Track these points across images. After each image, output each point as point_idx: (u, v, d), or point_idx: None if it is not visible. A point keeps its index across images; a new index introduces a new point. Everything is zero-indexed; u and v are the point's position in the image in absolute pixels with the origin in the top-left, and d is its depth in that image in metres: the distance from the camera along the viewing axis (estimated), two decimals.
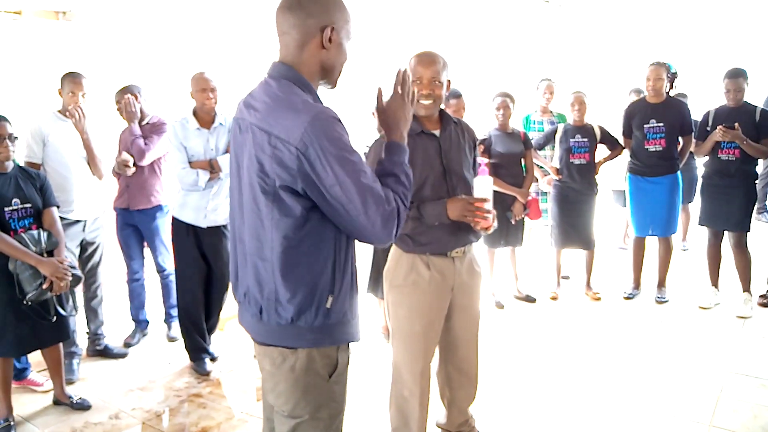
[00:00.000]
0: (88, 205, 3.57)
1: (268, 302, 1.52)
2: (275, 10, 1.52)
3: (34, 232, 2.88)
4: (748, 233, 4.28)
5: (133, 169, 3.80)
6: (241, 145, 1.55)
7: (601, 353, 3.75)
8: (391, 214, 1.46)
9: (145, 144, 3.78)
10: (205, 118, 3.46)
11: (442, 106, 2.43)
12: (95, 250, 3.69)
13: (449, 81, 2.38)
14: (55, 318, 2.95)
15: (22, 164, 3.19)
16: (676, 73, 4.87)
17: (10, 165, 2.92)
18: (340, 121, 1.45)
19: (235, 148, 1.59)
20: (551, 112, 5.08)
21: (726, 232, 4.35)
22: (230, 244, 1.68)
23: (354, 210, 1.43)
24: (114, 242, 4.00)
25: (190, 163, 3.40)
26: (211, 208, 3.46)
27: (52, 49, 4.46)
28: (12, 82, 4.39)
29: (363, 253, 3.89)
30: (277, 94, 1.48)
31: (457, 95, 4.14)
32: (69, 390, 3.23)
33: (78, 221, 3.52)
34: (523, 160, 4.40)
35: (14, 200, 2.87)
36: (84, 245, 3.61)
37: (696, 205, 5.39)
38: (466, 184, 2.38)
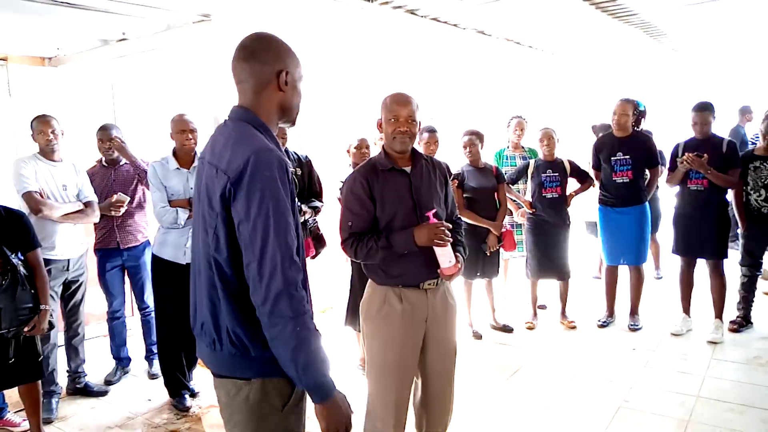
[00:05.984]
0: (71, 244, 3.63)
1: (221, 332, 1.56)
2: (230, 61, 1.62)
3: None
4: (725, 260, 4.38)
5: (125, 208, 3.87)
6: (202, 182, 1.63)
7: (576, 380, 3.82)
8: (287, 280, 1.43)
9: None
10: (184, 158, 3.57)
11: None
12: (78, 288, 3.74)
13: (420, 122, 2.52)
14: (13, 360, 2.94)
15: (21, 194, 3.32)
16: (644, 111, 5.06)
17: None
18: (283, 165, 1.48)
19: (198, 185, 1.66)
20: (523, 147, 5.23)
21: (701, 260, 4.46)
22: (191, 277, 1.70)
23: (251, 254, 1.45)
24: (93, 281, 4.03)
25: (169, 202, 3.50)
26: (190, 245, 3.53)
27: (37, 94, 4.56)
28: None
29: (341, 286, 4.00)
30: (230, 133, 1.58)
31: (431, 130, 4.26)
32: (46, 429, 3.23)
33: (61, 260, 3.57)
34: (496, 194, 4.53)
35: None
36: (67, 284, 3.66)
37: (664, 234, 5.55)
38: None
